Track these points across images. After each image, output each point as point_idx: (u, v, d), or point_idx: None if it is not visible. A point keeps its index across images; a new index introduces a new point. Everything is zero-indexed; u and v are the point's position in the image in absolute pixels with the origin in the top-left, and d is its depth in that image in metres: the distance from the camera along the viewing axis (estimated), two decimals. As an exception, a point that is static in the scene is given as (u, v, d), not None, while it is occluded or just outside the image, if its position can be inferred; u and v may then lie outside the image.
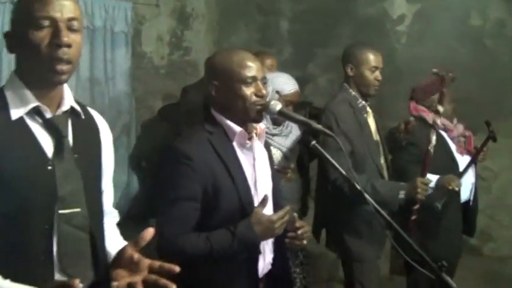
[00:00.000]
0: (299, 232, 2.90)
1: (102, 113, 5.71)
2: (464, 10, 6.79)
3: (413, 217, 4.31)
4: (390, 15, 7.09)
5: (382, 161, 4.45)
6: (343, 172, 2.71)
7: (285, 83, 4.13)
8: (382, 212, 2.65)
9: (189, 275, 2.71)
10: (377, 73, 4.29)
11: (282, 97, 3.99)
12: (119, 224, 2.64)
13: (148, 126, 6.47)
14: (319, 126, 2.82)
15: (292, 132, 4.24)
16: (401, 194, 4.09)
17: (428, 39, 6.92)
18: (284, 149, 4.14)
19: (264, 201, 2.75)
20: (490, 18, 6.75)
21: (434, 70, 4.37)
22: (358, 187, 2.64)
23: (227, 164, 2.78)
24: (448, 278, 2.45)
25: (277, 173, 3.87)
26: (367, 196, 2.59)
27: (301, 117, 2.95)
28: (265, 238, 2.80)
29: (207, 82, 2.91)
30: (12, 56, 2.14)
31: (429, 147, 4.31)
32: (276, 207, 2.97)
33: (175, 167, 2.75)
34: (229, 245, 2.68)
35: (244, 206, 2.79)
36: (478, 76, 6.48)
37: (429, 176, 4.36)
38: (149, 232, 1.99)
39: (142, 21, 6.84)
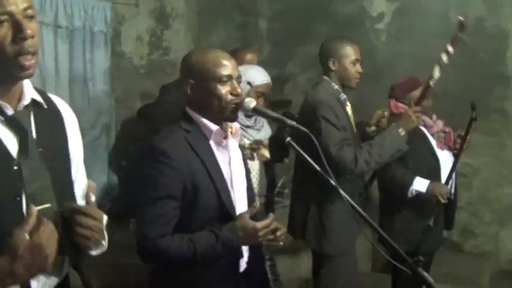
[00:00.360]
0: (277, 234, 2.91)
1: (82, 113, 5.74)
2: (444, 7, 6.85)
3: None
4: (369, 13, 7.14)
5: None
6: (318, 168, 2.68)
7: (256, 74, 4.18)
8: (360, 210, 2.61)
9: (171, 276, 2.89)
10: (358, 66, 4.35)
11: (253, 88, 4.07)
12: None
13: (128, 126, 6.51)
14: (293, 123, 2.84)
15: (264, 128, 4.31)
16: (401, 132, 4.21)
17: (408, 37, 6.99)
18: None
19: (252, 209, 2.79)
20: (470, 16, 6.79)
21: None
22: (333, 183, 2.62)
23: (205, 162, 2.80)
24: (425, 273, 2.43)
25: (250, 150, 3.98)
26: (342, 193, 2.58)
27: (275, 114, 2.97)
28: (248, 244, 2.86)
29: (183, 81, 2.93)
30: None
31: (430, 82, 4.40)
32: (250, 203, 3.00)
33: (154, 165, 2.75)
34: (212, 248, 2.70)
35: (223, 203, 2.81)
36: (457, 73, 6.53)
37: (418, 180, 4.57)
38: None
39: (121, 21, 6.88)
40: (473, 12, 6.75)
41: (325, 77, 4.38)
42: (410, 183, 4.57)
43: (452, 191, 4.83)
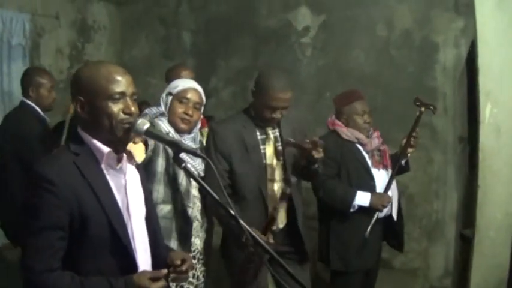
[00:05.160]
0: (183, 268, 2.94)
1: None
2: (371, 21, 7.18)
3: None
4: (295, 27, 7.45)
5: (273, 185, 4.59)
6: (214, 194, 2.71)
7: (175, 83, 4.25)
8: (263, 244, 2.72)
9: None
10: (277, 113, 4.33)
11: (174, 96, 4.13)
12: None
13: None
14: (189, 147, 2.85)
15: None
16: (360, 201, 4.82)
17: (334, 51, 7.32)
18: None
19: (158, 272, 2.74)
20: (396, 29, 7.13)
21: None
22: (232, 212, 2.66)
23: (94, 189, 2.68)
24: None
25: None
26: (241, 221, 2.63)
27: (170, 138, 2.94)
28: None
29: (72, 98, 2.79)
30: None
31: (413, 132, 5.03)
32: (152, 233, 3.00)
33: (36, 193, 2.60)
34: None
35: (116, 234, 2.71)
36: (384, 86, 6.89)
37: (360, 194, 4.86)
38: None
39: (41, 34, 7.09)
40: (401, 25, 7.13)
41: (249, 107, 4.50)
42: (353, 198, 4.85)
43: (394, 211, 5.10)
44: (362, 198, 4.83)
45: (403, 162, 5.13)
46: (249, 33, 7.53)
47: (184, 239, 4.14)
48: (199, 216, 4.29)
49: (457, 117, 6.93)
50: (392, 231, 5.20)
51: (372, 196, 4.82)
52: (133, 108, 2.73)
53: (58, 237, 2.60)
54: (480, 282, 4.73)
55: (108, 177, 2.77)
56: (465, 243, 5.76)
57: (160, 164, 4.05)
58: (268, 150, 4.43)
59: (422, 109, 5.07)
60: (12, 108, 6.18)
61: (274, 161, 4.46)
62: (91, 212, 2.65)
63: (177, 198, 4.11)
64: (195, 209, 4.23)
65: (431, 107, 5.11)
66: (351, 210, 4.84)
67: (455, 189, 7.03)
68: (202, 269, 4.37)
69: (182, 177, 4.07)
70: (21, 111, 5.42)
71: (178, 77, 5.09)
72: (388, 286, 6.47)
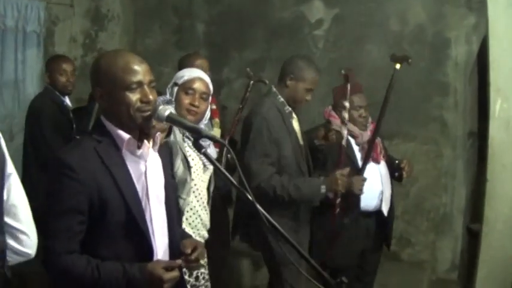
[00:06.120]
0: (192, 257, 3.02)
1: (12, 116, 5.90)
2: (384, 15, 7.20)
3: (336, 211, 4.86)
4: (308, 19, 7.49)
5: (305, 164, 4.95)
6: (234, 182, 2.78)
7: (182, 73, 4.21)
8: (279, 228, 2.75)
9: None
10: (309, 95, 4.87)
11: (180, 87, 4.09)
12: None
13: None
14: (210, 133, 2.92)
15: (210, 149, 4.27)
16: (323, 189, 4.66)
17: (347, 44, 7.37)
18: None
19: (173, 262, 2.88)
20: (409, 24, 7.15)
21: (342, 71, 4.97)
22: (250, 198, 2.68)
23: (114, 175, 2.79)
24: None
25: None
26: (259, 207, 2.67)
27: (191, 124, 2.99)
28: None
29: (92, 88, 2.93)
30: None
31: (342, 142, 4.87)
32: (170, 216, 3.08)
33: (58, 178, 2.75)
34: (116, 280, 2.73)
35: (135, 219, 2.82)
36: (397, 81, 6.83)
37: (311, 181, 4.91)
38: None
39: (55, 22, 7.21)
40: (414, 20, 7.14)
41: (274, 89, 4.89)
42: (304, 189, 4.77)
43: (385, 207, 5.19)
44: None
45: (396, 173, 5.26)
46: (262, 25, 7.58)
47: None
48: (201, 212, 4.20)
49: (468, 112, 6.95)
50: (380, 227, 5.28)
51: (324, 180, 4.72)
52: (151, 96, 2.83)
53: (78, 221, 2.74)
54: (487, 274, 4.81)
55: (128, 163, 2.88)
56: (472, 238, 5.83)
57: (178, 133, 4.04)
58: (298, 132, 4.83)
59: (397, 66, 4.98)
60: (26, 94, 6.33)
61: (302, 142, 4.88)
62: (110, 197, 2.77)
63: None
64: (190, 201, 4.11)
65: (408, 60, 4.97)
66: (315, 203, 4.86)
67: (463, 183, 7.04)
68: (202, 270, 4.21)
69: (178, 166, 3.97)
70: (40, 95, 5.68)
71: (192, 66, 5.10)
72: (395, 278, 6.62)
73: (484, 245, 4.80)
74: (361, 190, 4.85)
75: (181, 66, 5.47)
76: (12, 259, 2.79)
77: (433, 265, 7.17)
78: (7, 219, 2.71)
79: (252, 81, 5.24)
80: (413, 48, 7.06)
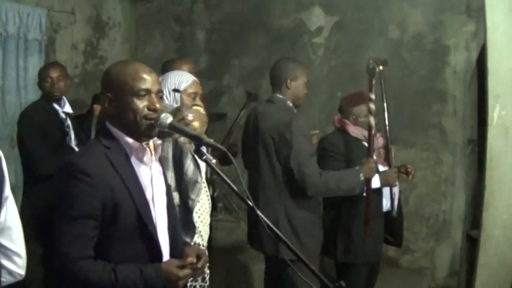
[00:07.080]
0: (199, 265, 3.03)
1: (14, 123, 5.96)
2: (383, 23, 7.28)
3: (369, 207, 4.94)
4: (308, 27, 7.56)
5: None
6: (234, 187, 2.84)
7: (179, 78, 4.11)
8: (275, 229, 2.84)
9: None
10: (306, 88, 5.03)
11: (183, 93, 4.01)
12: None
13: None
14: (211, 141, 2.89)
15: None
16: (361, 176, 4.78)
17: (346, 52, 7.43)
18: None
19: (183, 260, 2.94)
20: (409, 31, 7.22)
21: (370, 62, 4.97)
22: (250, 204, 2.78)
23: (124, 180, 2.85)
24: None
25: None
26: (259, 213, 2.76)
27: (192, 132, 3.01)
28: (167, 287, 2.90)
29: (101, 95, 3.00)
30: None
31: (372, 131, 4.92)
32: (171, 223, 3.14)
33: (71, 183, 2.78)
34: (134, 282, 2.77)
35: (144, 223, 2.88)
36: (395, 88, 6.90)
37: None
38: None
39: (57, 29, 7.23)
40: (413, 28, 7.21)
41: (281, 96, 4.98)
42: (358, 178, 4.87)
43: (393, 207, 5.19)
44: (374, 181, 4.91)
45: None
46: (263, 33, 7.64)
47: (187, 229, 4.00)
48: (201, 211, 4.23)
49: (467, 119, 7.01)
50: (390, 228, 5.29)
51: (379, 174, 4.94)
52: (157, 105, 2.90)
53: (91, 226, 2.77)
54: (485, 281, 4.82)
55: (136, 170, 2.95)
56: (472, 244, 5.85)
57: (170, 150, 3.98)
58: None
59: (381, 67, 5.05)
60: (28, 101, 6.36)
61: None
62: (121, 201, 2.82)
63: (182, 187, 4.04)
64: (197, 201, 4.07)
65: (387, 63, 5.14)
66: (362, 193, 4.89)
67: (463, 190, 7.10)
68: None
69: (188, 166, 3.95)
70: (33, 103, 5.79)
71: (180, 70, 4.87)
72: (394, 284, 6.64)
73: (482, 251, 4.81)
74: (394, 181, 5.02)
75: (168, 70, 5.38)
76: (6, 279, 2.81)
77: (432, 272, 7.21)
78: (2, 241, 2.73)
79: (381, 67, 5.17)
80: (413, 56, 7.16)
